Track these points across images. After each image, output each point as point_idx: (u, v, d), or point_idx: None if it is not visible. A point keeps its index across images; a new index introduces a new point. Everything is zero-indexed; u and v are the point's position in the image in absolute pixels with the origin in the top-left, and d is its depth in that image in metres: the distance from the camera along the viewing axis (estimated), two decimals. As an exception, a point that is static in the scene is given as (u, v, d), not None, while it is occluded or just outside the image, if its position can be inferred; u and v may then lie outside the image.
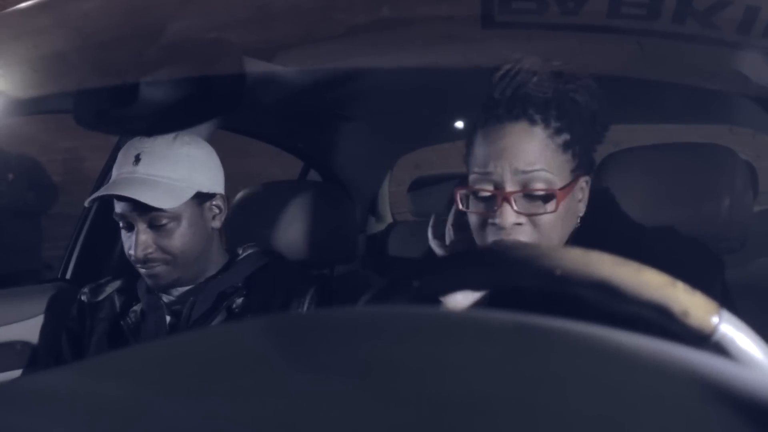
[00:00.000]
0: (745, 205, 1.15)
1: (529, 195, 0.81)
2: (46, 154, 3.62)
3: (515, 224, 0.82)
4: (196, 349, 0.28)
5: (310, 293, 1.18)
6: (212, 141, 1.61)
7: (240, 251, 1.25)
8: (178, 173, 1.14)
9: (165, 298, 1.19)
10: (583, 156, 0.85)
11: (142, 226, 1.12)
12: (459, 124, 2.31)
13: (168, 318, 1.18)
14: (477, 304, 0.79)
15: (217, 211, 1.20)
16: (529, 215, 0.82)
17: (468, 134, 0.88)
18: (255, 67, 1.32)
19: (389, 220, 2.55)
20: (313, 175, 2.25)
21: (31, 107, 1.38)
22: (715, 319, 0.44)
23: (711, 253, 0.86)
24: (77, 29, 1.08)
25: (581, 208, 0.87)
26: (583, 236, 0.87)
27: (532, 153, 0.81)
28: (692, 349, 0.26)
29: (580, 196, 0.87)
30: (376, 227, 2.47)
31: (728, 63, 1.03)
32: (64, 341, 1.24)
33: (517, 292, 0.51)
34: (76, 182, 4.25)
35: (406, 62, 1.43)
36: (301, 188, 1.45)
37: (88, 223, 1.59)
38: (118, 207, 1.14)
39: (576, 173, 0.84)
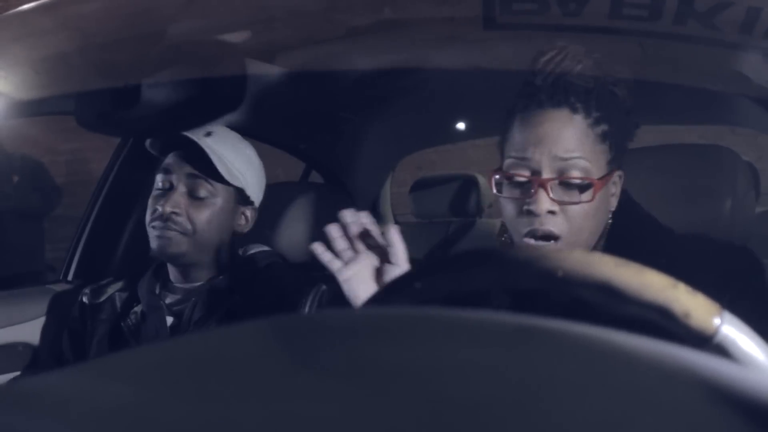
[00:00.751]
0: (747, 206, 1.15)
1: (565, 183, 0.81)
2: (48, 155, 3.63)
3: (549, 212, 0.81)
4: (197, 351, 0.28)
5: (313, 295, 1.17)
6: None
7: (241, 252, 1.25)
8: (238, 163, 1.17)
9: (166, 299, 1.18)
10: (618, 149, 0.84)
11: (182, 189, 1.13)
12: (461, 126, 2.31)
13: (170, 319, 1.17)
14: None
15: (246, 219, 1.22)
16: (564, 203, 0.81)
17: (505, 119, 0.87)
18: (256, 68, 1.32)
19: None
20: (315, 177, 2.25)
21: (33, 109, 1.38)
22: (716, 321, 0.44)
23: (752, 255, 0.85)
24: (79, 31, 1.08)
25: (613, 203, 0.86)
26: (618, 237, 0.86)
27: (571, 140, 0.80)
28: (693, 350, 0.26)
29: (613, 190, 0.86)
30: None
31: (730, 64, 1.03)
32: (65, 342, 1.24)
33: (515, 294, 0.51)
34: (79, 184, 4.26)
35: (407, 63, 1.43)
36: (302, 190, 1.45)
37: (89, 224, 1.60)
38: (170, 159, 1.15)
39: (611, 166, 0.84)
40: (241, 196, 1.19)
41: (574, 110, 0.81)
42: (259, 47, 1.28)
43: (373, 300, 0.60)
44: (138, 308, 1.19)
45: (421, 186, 2.53)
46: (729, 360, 0.42)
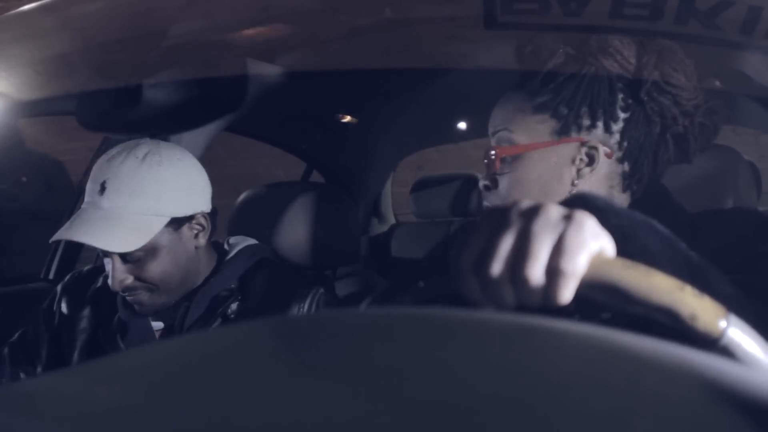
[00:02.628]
0: (749, 205, 1.15)
1: (489, 154, 0.84)
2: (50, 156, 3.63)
3: (485, 185, 0.84)
4: (196, 352, 0.28)
5: (311, 296, 1.13)
6: (216, 142, 1.62)
7: (227, 247, 1.19)
8: (146, 203, 1.04)
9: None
10: (580, 119, 0.81)
11: (116, 260, 1.04)
12: (461, 125, 2.31)
13: (158, 324, 1.13)
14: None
15: (198, 229, 1.11)
16: (495, 176, 0.84)
17: None
18: (258, 68, 1.32)
19: (392, 221, 2.55)
20: (316, 177, 2.25)
21: (34, 109, 1.38)
22: (723, 324, 0.44)
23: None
24: (80, 31, 1.08)
25: (582, 176, 0.81)
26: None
27: (502, 115, 0.85)
28: (698, 351, 0.26)
29: (578, 163, 0.81)
30: (379, 228, 2.47)
31: (731, 63, 1.03)
32: (33, 337, 1.20)
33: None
34: (81, 185, 4.25)
35: (408, 63, 1.43)
36: (303, 189, 1.45)
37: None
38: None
39: (563, 136, 0.81)
40: (176, 223, 1.08)
41: (516, 88, 0.84)
42: (261, 47, 1.28)
43: (377, 300, 0.60)
44: (120, 315, 1.14)
45: (422, 186, 2.53)
46: (734, 362, 0.42)
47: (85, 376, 0.27)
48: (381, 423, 0.21)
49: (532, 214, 0.48)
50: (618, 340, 0.26)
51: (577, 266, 0.45)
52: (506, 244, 0.47)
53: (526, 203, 0.49)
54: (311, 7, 1.11)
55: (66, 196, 3.27)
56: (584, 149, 0.82)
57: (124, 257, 1.05)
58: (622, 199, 0.84)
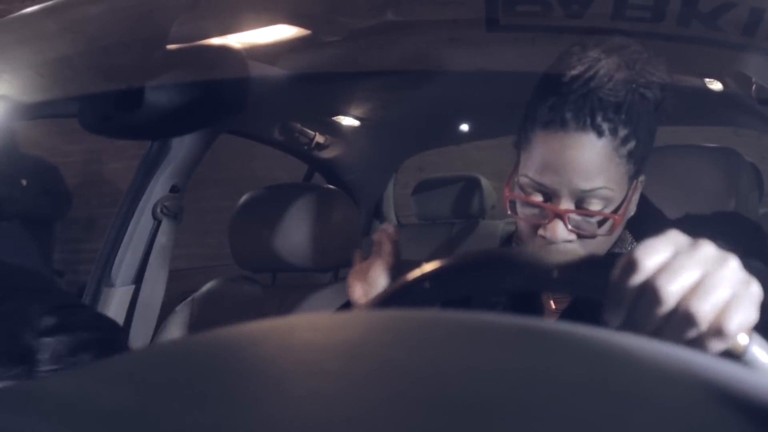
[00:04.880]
0: (751, 206, 1.15)
1: (589, 215, 0.75)
2: (52, 158, 3.64)
3: (565, 241, 0.75)
4: (197, 352, 0.28)
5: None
6: (217, 144, 1.62)
7: None
8: None
9: None
10: (643, 158, 0.77)
11: None
12: (463, 127, 2.32)
13: None
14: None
15: None
16: (582, 236, 0.75)
17: (525, 127, 0.78)
18: (259, 70, 1.33)
19: (393, 222, 2.55)
20: (318, 179, 2.25)
21: (36, 112, 1.39)
22: (745, 341, 0.44)
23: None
24: (82, 34, 1.08)
25: (632, 209, 0.80)
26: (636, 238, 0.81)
27: (594, 169, 0.72)
28: (699, 353, 0.26)
29: (633, 197, 0.79)
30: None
31: (733, 65, 1.03)
32: None
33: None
34: (83, 186, 4.27)
35: (410, 65, 1.43)
36: (305, 191, 1.45)
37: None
38: None
39: (635, 178, 0.78)
40: None
41: (600, 133, 0.72)
42: (262, 49, 1.28)
43: (376, 302, 0.60)
44: None
45: (423, 187, 2.53)
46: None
47: (85, 377, 0.27)
48: (383, 425, 0.21)
49: (721, 261, 0.47)
50: (618, 340, 0.26)
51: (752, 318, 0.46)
52: (686, 284, 0.46)
53: (712, 249, 0.47)
54: (313, 9, 1.11)
55: (61, 199, 3.26)
56: (640, 184, 0.80)
57: None
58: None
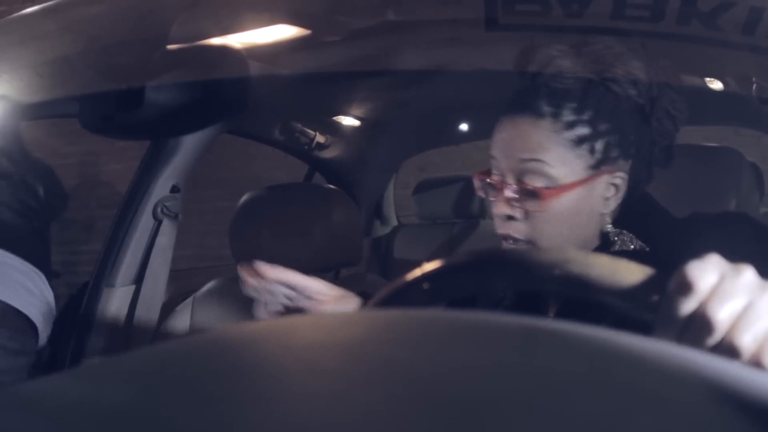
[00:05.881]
0: (752, 206, 1.15)
1: (524, 189, 0.78)
2: (51, 158, 3.63)
3: (508, 216, 0.79)
4: (197, 352, 0.28)
5: None
6: (217, 144, 1.62)
7: None
8: None
9: None
10: (611, 151, 0.79)
11: None
12: (463, 127, 2.31)
13: None
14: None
15: None
16: (523, 209, 0.79)
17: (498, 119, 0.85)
18: (259, 70, 1.32)
19: (394, 222, 2.55)
20: (318, 179, 2.25)
21: (36, 112, 1.39)
22: None
23: None
24: (82, 34, 1.08)
25: (609, 206, 0.81)
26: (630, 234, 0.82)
27: (532, 142, 0.78)
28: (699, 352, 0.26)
29: (607, 193, 0.81)
30: (381, 230, 2.47)
31: (733, 64, 1.03)
32: None
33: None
34: (83, 187, 4.27)
35: (410, 65, 1.44)
36: (305, 191, 1.45)
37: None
38: None
39: (597, 170, 0.79)
40: None
41: (540, 115, 0.77)
42: (263, 49, 1.28)
43: (377, 302, 0.60)
44: None
45: (424, 187, 2.53)
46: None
47: (84, 377, 0.27)
48: (383, 425, 0.21)
49: (763, 289, 0.46)
50: (620, 340, 0.26)
51: None
52: (734, 312, 0.45)
53: (754, 276, 0.47)
54: (313, 9, 1.11)
55: (56, 201, 3.26)
56: (613, 179, 0.81)
57: None
58: (614, 208, 0.83)
